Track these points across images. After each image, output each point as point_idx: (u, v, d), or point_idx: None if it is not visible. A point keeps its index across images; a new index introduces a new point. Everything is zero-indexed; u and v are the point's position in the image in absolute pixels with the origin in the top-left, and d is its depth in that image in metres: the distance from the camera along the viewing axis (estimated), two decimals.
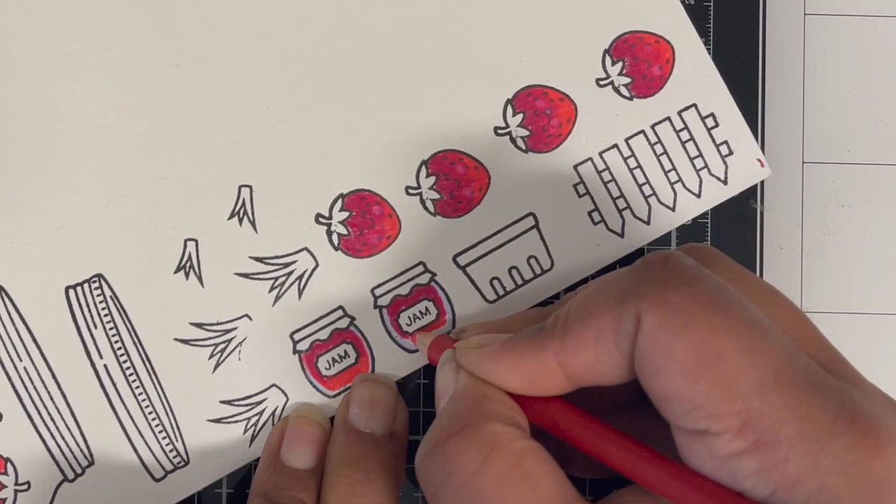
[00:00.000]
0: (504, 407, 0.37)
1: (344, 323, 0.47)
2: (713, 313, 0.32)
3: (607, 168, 0.48)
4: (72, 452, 0.46)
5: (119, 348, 0.46)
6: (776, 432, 0.31)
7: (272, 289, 0.47)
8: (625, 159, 0.48)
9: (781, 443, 0.31)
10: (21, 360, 0.46)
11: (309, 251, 0.47)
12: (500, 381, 0.37)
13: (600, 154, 0.48)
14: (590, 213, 0.48)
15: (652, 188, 0.48)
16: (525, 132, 0.47)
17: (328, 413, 0.47)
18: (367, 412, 0.45)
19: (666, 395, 0.33)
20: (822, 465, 0.30)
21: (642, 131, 0.48)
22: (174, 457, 0.47)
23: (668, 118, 0.48)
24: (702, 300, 0.33)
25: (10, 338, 0.46)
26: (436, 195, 0.47)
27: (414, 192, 0.47)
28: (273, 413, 0.47)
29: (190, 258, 0.46)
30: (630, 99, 0.48)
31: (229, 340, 0.47)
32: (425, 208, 0.47)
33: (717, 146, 0.48)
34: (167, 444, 0.46)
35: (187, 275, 0.46)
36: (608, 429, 0.36)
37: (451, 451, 0.35)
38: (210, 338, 0.46)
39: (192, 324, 0.46)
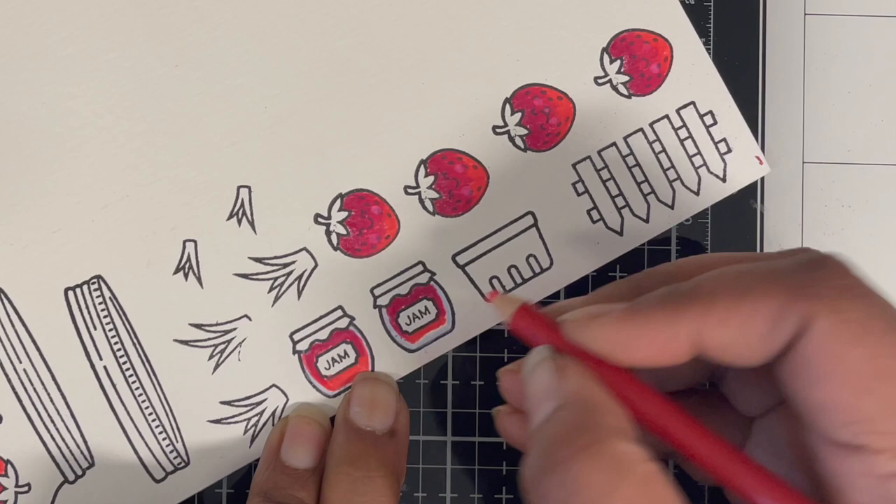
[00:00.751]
0: (623, 420, 0.34)
1: (343, 323, 0.47)
2: (892, 327, 0.31)
3: (606, 166, 0.48)
4: (72, 454, 0.46)
5: (119, 349, 0.46)
6: None
7: (271, 289, 0.47)
8: (623, 157, 0.48)
9: None
10: (21, 362, 0.46)
11: (308, 251, 0.47)
12: (625, 354, 0.35)
13: (599, 152, 0.48)
14: (588, 212, 0.48)
15: (651, 186, 0.48)
16: (523, 131, 0.47)
17: (328, 413, 0.47)
18: (368, 410, 0.45)
19: (825, 405, 0.32)
20: None
21: (641, 129, 0.48)
22: (174, 457, 0.46)
23: (667, 116, 0.48)
24: (879, 314, 0.32)
25: (9, 340, 0.46)
26: (434, 194, 0.47)
27: (413, 191, 0.47)
28: (273, 413, 0.47)
29: (189, 259, 0.46)
30: (628, 97, 0.48)
31: (229, 341, 0.47)
32: (424, 207, 0.47)
33: (716, 144, 0.48)
34: (167, 445, 0.46)
35: (186, 276, 0.46)
36: (706, 433, 0.34)
37: (576, 470, 0.32)
38: (210, 338, 0.46)
39: (191, 325, 0.46)
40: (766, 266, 0.34)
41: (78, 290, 0.46)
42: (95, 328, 0.46)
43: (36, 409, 0.46)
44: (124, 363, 0.46)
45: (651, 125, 0.48)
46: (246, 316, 0.47)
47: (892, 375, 0.31)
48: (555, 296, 0.48)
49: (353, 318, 0.47)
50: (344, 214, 0.47)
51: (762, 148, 0.49)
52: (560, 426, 0.34)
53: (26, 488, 0.46)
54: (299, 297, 0.47)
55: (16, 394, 0.46)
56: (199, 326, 0.46)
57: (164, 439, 0.46)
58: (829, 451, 0.32)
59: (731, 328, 0.33)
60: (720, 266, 0.36)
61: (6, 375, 0.46)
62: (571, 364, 0.36)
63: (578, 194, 0.48)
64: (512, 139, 0.47)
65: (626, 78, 0.48)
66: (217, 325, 0.47)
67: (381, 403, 0.45)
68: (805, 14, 0.52)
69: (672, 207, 0.48)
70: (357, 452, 0.44)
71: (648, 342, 0.35)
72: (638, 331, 0.35)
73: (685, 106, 0.48)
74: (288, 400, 0.47)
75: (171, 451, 0.46)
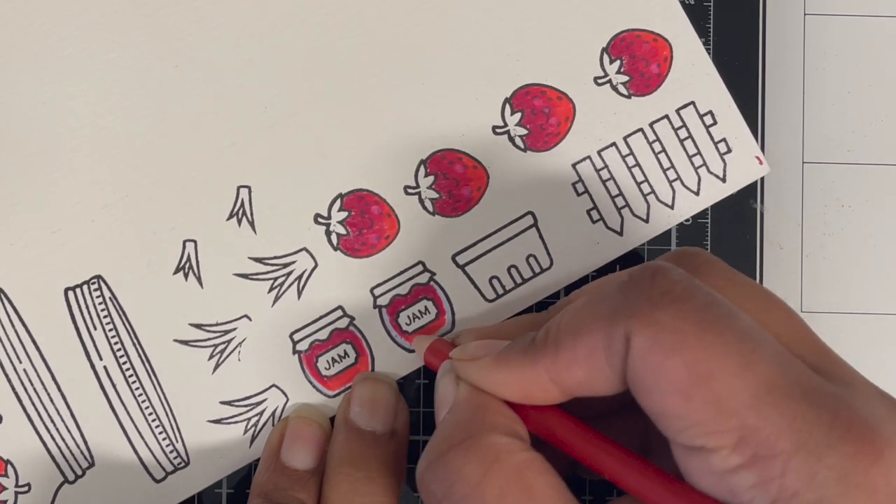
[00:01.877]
0: (504, 418, 0.37)
1: (343, 323, 0.47)
2: (703, 330, 0.32)
3: (606, 166, 0.48)
4: (72, 454, 0.46)
5: (119, 349, 0.46)
6: (772, 446, 0.31)
7: (271, 289, 0.47)
8: (623, 157, 0.48)
9: (778, 456, 0.31)
10: (21, 362, 0.46)
11: (308, 251, 0.47)
12: (498, 392, 0.38)
13: (599, 152, 0.48)
14: (588, 212, 0.48)
15: (650, 186, 0.48)
16: (523, 131, 0.47)
17: (328, 413, 0.47)
18: (369, 411, 0.45)
19: (661, 413, 0.33)
20: (818, 477, 0.31)
21: (640, 129, 0.48)
22: (174, 457, 0.47)
23: (667, 116, 0.48)
24: (692, 318, 0.32)
25: (9, 340, 0.46)
26: (434, 194, 0.47)
27: (413, 191, 0.47)
28: (273, 413, 0.47)
29: (189, 259, 0.46)
30: (628, 97, 0.48)
31: (229, 341, 0.47)
32: (424, 208, 0.47)
33: (716, 144, 0.48)
34: (167, 445, 0.46)
35: (186, 276, 0.46)
36: (604, 440, 0.36)
37: (452, 463, 0.35)
38: (209, 338, 0.46)
39: (191, 325, 0.46)
40: (597, 297, 0.36)
41: (78, 290, 0.46)
42: (95, 328, 0.46)
43: (36, 409, 0.46)
44: (124, 363, 0.46)
45: (651, 125, 0.48)
46: (246, 316, 0.47)
47: (710, 377, 0.32)
48: (555, 296, 0.48)
49: (353, 318, 0.47)
50: (344, 214, 0.47)
51: (762, 148, 0.49)
52: (445, 425, 0.37)
53: (26, 488, 0.46)
54: (299, 297, 0.47)
55: (16, 394, 0.46)
56: (199, 326, 0.46)
57: (164, 439, 0.46)
58: (679, 453, 0.33)
59: (579, 367, 0.35)
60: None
61: (6, 375, 0.46)
62: (464, 377, 0.39)
63: (578, 194, 0.48)
64: (512, 139, 0.47)
65: (625, 78, 0.48)
66: (217, 325, 0.47)
67: (382, 404, 0.45)
68: (805, 14, 0.52)
69: (672, 207, 0.48)
70: (357, 453, 0.44)
71: (515, 386, 0.37)
72: (505, 376, 0.37)
73: (685, 106, 0.48)
74: (288, 400, 0.47)
75: (171, 451, 0.46)
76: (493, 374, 0.37)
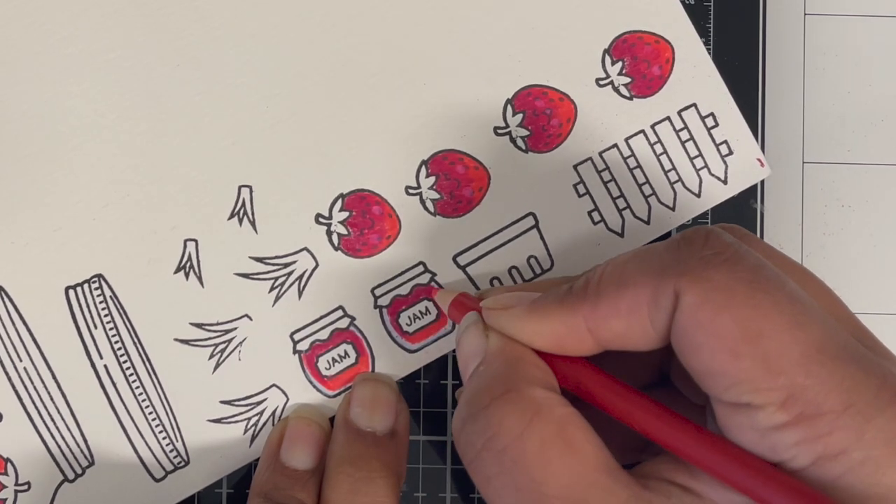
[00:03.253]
0: (541, 371, 0.37)
1: (344, 323, 0.47)
2: (755, 290, 0.33)
3: (607, 168, 0.48)
4: (72, 452, 0.46)
5: (119, 348, 0.46)
6: (820, 405, 0.31)
7: (272, 289, 0.47)
8: (624, 159, 0.48)
9: (825, 415, 0.31)
10: (21, 361, 0.46)
11: (309, 251, 0.47)
12: (531, 341, 0.37)
13: (600, 154, 0.48)
14: (590, 213, 0.48)
15: (652, 188, 0.48)
16: (525, 132, 0.47)
17: (328, 413, 0.47)
18: (369, 411, 0.45)
19: (707, 371, 0.33)
20: (866, 437, 0.31)
21: (642, 131, 0.48)
22: (174, 457, 0.47)
23: (668, 118, 0.48)
24: (743, 277, 0.33)
25: (10, 338, 0.46)
26: (436, 195, 0.47)
27: (414, 191, 0.47)
28: (273, 413, 0.47)
29: (190, 258, 0.46)
30: (630, 99, 0.48)
31: (229, 340, 0.47)
32: (425, 208, 0.47)
33: (717, 146, 0.48)
34: (167, 444, 0.46)
35: (187, 275, 0.46)
36: (640, 395, 0.36)
37: (494, 414, 0.35)
38: (210, 338, 0.46)
39: (192, 324, 0.46)
40: (643, 253, 0.36)
41: (79, 289, 0.46)
42: (96, 327, 0.46)
43: (36, 408, 0.46)
44: (125, 362, 0.46)
45: (652, 127, 0.48)
46: (246, 315, 0.47)
47: (760, 335, 0.32)
48: None
49: (353, 319, 0.47)
50: (345, 214, 0.47)
51: (762, 148, 0.49)
52: (481, 377, 0.37)
53: (26, 487, 0.46)
54: (300, 296, 0.47)
55: (16, 392, 0.46)
56: (199, 326, 0.46)
57: (164, 438, 0.46)
58: (721, 410, 0.33)
59: (620, 319, 0.35)
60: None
61: (6, 374, 0.46)
62: (494, 328, 0.39)
63: (580, 196, 0.48)
64: (513, 140, 0.47)
65: (627, 79, 0.48)
66: (217, 324, 0.47)
67: (382, 404, 0.45)
68: (805, 14, 0.52)
69: (673, 209, 0.48)
70: (358, 453, 0.44)
71: (550, 335, 0.37)
72: (540, 325, 0.37)
73: (687, 108, 0.48)
74: (288, 400, 0.47)
75: (171, 451, 0.46)
76: (527, 323, 0.37)
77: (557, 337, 0.37)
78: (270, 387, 0.47)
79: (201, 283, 0.47)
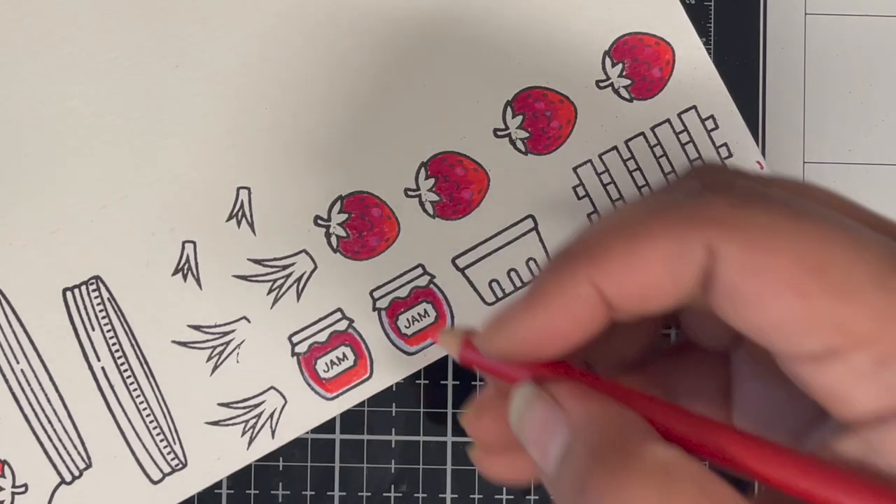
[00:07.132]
0: (645, 424, 0.30)
1: (342, 325, 0.47)
2: (798, 223, 0.29)
3: (607, 170, 0.48)
4: (69, 455, 0.46)
5: (117, 350, 0.46)
6: None
7: (270, 291, 0.47)
8: (624, 161, 0.48)
9: None
10: (18, 363, 0.46)
11: (307, 253, 0.47)
12: (543, 338, 0.31)
13: (600, 156, 0.48)
14: (589, 216, 0.47)
15: (652, 190, 0.48)
16: (524, 134, 0.47)
17: (324, 416, 0.47)
18: None
19: (776, 323, 0.29)
20: None
21: (642, 133, 0.48)
22: (172, 459, 0.46)
23: (668, 120, 0.48)
24: (781, 212, 0.29)
25: (7, 340, 0.46)
26: (435, 197, 0.47)
27: (413, 194, 0.47)
28: (271, 415, 0.47)
29: (188, 260, 0.46)
30: (630, 101, 0.48)
31: (227, 343, 0.46)
32: (424, 210, 0.47)
33: (717, 148, 0.48)
34: (165, 447, 0.46)
35: (185, 277, 0.46)
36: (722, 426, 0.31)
37: (624, 493, 0.28)
38: (208, 340, 0.46)
39: (190, 326, 0.46)
40: (654, 203, 0.31)
41: (76, 291, 0.46)
42: (94, 329, 0.46)
43: (33, 410, 0.46)
44: (122, 364, 0.46)
45: (652, 129, 0.48)
46: (245, 318, 0.47)
47: (826, 266, 0.28)
48: None
49: (352, 321, 0.47)
50: (344, 216, 0.47)
51: (762, 148, 0.49)
52: (584, 459, 0.30)
53: (23, 489, 0.46)
54: (298, 299, 0.47)
55: (13, 394, 0.46)
56: (197, 328, 0.46)
57: (161, 441, 0.46)
58: (806, 368, 0.29)
59: (633, 276, 0.30)
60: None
61: (3, 376, 0.46)
62: (564, 389, 0.32)
63: (579, 198, 0.47)
64: (513, 142, 0.47)
65: (627, 81, 0.48)
66: (216, 326, 0.46)
67: None
68: (805, 14, 0.52)
69: None
70: None
71: (555, 316, 0.31)
72: (539, 310, 0.31)
73: (687, 110, 0.48)
74: (286, 402, 0.47)
75: (169, 453, 0.46)
76: (526, 317, 0.31)
77: (565, 318, 0.31)
78: (268, 389, 0.47)
79: (199, 285, 0.46)
